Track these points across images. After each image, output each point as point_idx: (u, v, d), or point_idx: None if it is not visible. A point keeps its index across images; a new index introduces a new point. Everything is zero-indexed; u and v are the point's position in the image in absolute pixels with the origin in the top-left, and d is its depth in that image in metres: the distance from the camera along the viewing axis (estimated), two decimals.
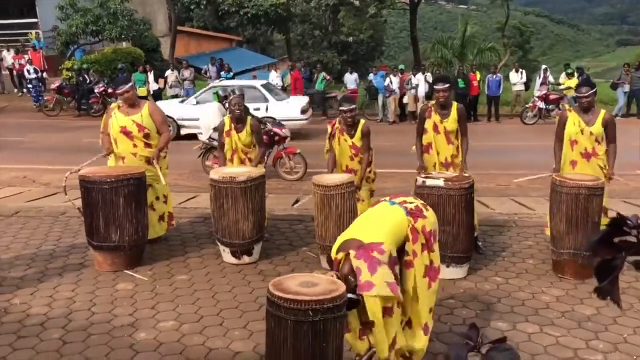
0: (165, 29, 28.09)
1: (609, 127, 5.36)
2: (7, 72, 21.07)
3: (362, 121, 5.80)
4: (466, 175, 5.26)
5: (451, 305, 4.51)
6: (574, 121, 5.39)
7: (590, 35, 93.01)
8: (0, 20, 24.19)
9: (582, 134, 5.34)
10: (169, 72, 18.14)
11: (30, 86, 18.52)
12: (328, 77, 18.81)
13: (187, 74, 18.04)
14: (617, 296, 1.36)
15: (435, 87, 5.66)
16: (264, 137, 9.50)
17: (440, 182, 4.93)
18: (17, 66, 20.20)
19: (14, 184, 9.08)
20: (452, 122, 5.55)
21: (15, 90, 20.72)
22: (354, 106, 5.73)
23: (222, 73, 18.30)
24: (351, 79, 18.36)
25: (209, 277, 5.14)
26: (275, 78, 18.98)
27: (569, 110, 5.55)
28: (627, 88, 16.62)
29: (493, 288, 4.86)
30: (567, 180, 4.95)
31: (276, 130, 9.74)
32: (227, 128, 6.05)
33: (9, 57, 20.79)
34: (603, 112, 5.43)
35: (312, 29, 32.04)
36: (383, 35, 37.04)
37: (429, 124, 5.63)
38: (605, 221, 5.18)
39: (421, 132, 5.73)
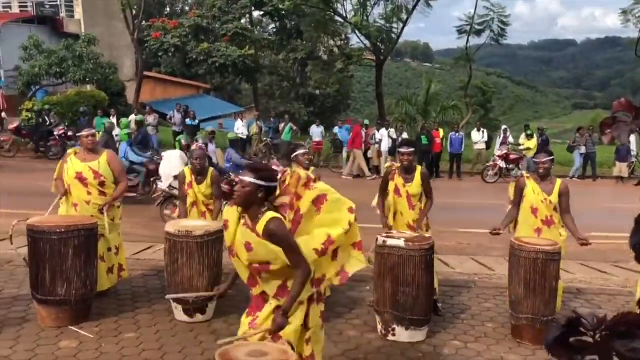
0: (131, 73, 28.01)
1: (564, 196, 5.40)
2: None
3: (312, 168, 5.79)
4: (427, 235, 5.23)
5: None
6: (533, 189, 5.44)
7: (548, 97, 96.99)
8: None
9: (543, 203, 5.38)
10: (132, 117, 17.94)
11: None
12: (295, 128, 18.95)
13: (150, 119, 17.88)
14: None
15: (400, 150, 5.70)
16: (226, 187, 9.45)
17: (401, 242, 4.89)
18: None
19: None
20: (415, 187, 5.55)
21: None
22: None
23: (187, 120, 18.21)
24: (317, 131, 18.53)
25: (158, 335, 4.89)
26: (240, 127, 19.00)
27: (527, 177, 5.62)
28: (583, 149, 17.23)
29: (452, 353, 4.76)
30: (526, 245, 4.97)
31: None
32: (187, 179, 5.95)
33: None
34: (559, 181, 5.49)
35: (280, 80, 32.49)
36: (349, 89, 37.81)
37: (391, 186, 5.63)
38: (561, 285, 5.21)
39: (384, 191, 5.72)
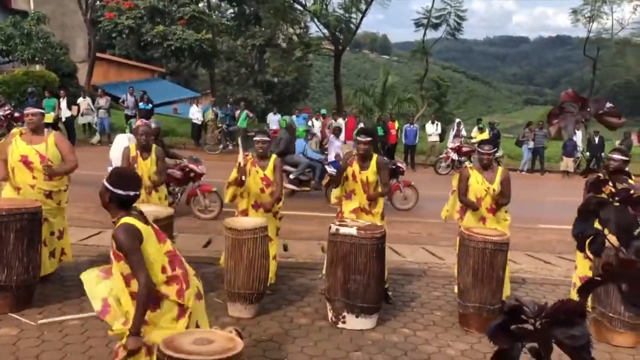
0: (84, 54, 27.07)
1: (506, 183, 5.60)
2: None
3: (274, 156, 5.86)
4: (379, 224, 5.28)
5: (358, 358, 4.43)
6: (477, 179, 5.59)
7: (501, 92, 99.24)
8: None
9: (486, 191, 5.54)
10: (80, 99, 17.42)
11: None
12: (251, 115, 18.77)
13: (102, 101, 17.40)
14: None
15: (358, 138, 5.71)
16: (179, 173, 9.30)
17: (353, 231, 4.91)
18: None
19: None
20: (371, 174, 5.60)
21: None
22: (267, 138, 5.88)
23: (141, 104, 17.78)
24: (274, 119, 18.41)
25: (104, 323, 4.76)
26: (195, 112, 18.71)
27: (470, 168, 5.78)
28: (531, 144, 17.73)
29: (400, 340, 4.83)
30: (474, 235, 5.07)
31: (192, 166, 9.48)
32: (132, 154, 5.94)
33: None
34: (500, 169, 5.72)
35: (238, 66, 32.11)
36: (308, 79, 37.74)
37: (349, 171, 5.66)
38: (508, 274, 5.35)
39: (337, 178, 5.75)
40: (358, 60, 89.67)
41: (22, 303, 4.87)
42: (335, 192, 5.88)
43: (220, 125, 18.36)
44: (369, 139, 5.63)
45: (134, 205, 3.14)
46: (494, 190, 5.53)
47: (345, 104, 27.19)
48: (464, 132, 17.94)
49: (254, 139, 5.86)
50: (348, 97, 28.44)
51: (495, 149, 5.71)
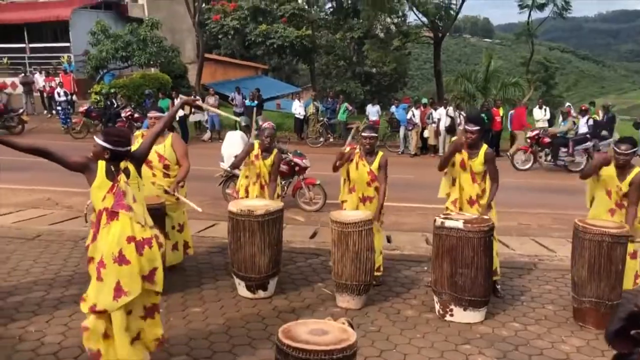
0: (192, 55, 28.60)
1: (635, 187, 5.11)
2: (38, 94, 21.55)
3: (381, 152, 5.85)
4: (486, 217, 5.19)
5: (467, 351, 4.42)
6: (611, 174, 5.24)
7: (616, 71, 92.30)
8: (35, 43, 24.91)
9: (618, 189, 5.20)
10: None
11: (59, 108, 18.91)
12: (350, 108, 18.90)
13: (211, 100, 18.28)
14: None
15: (466, 126, 5.60)
16: (285, 167, 9.64)
17: (459, 224, 4.88)
18: (47, 88, 20.71)
19: (37, 206, 9.22)
20: (478, 164, 5.46)
21: (45, 112, 21.21)
22: (375, 134, 5.87)
23: (247, 101, 18.50)
24: (373, 110, 18.41)
25: (222, 310, 5.11)
26: (297, 107, 19.16)
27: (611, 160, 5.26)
28: None
29: (511, 334, 4.75)
30: (591, 227, 4.86)
31: (296, 160, 9.79)
32: (255, 152, 6.30)
33: (40, 79, 21.34)
34: (635, 170, 5.14)
35: (337, 59, 32.36)
36: (406, 67, 37.19)
37: (457, 158, 5.55)
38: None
39: (446, 158, 5.61)
40: (458, 45, 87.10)
41: None
42: (443, 186, 5.77)
43: (321, 118, 18.69)
44: (477, 127, 5.48)
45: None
46: (621, 189, 5.19)
47: (446, 91, 26.58)
48: (574, 114, 16.80)
49: (362, 134, 5.89)
50: (449, 83, 27.75)
51: (635, 149, 5.24)
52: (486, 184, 5.57)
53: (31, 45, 24.94)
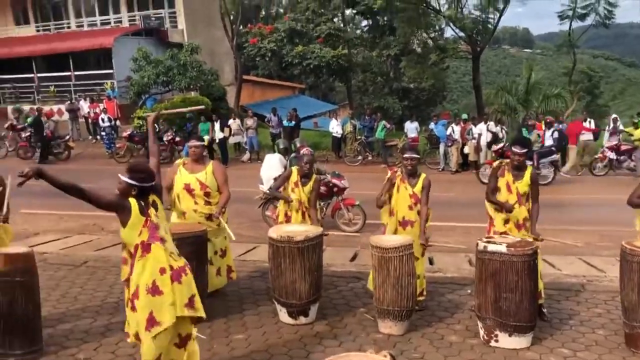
0: (231, 77, 29.19)
1: None
2: (83, 120, 22.30)
3: (424, 174, 5.78)
4: (529, 240, 5.08)
5: None
6: None
7: None
8: (80, 71, 25.89)
9: None
10: (231, 121, 18.75)
11: (103, 133, 19.50)
12: (388, 125, 18.84)
13: (250, 122, 18.57)
14: None
15: (512, 148, 5.55)
16: (323, 188, 9.67)
17: (502, 248, 4.79)
18: (92, 114, 21.41)
19: (83, 232, 9.50)
20: (524, 185, 5.43)
21: (90, 137, 21.90)
22: (416, 155, 5.82)
23: (284, 121, 18.70)
24: (411, 127, 18.33)
25: (265, 336, 5.14)
26: (335, 126, 19.22)
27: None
28: None
29: None
30: (638, 249, 4.69)
31: (335, 181, 9.82)
32: (294, 179, 6.30)
33: (85, 105, 22.09)
34: None
35: (373, 76, 32.39)
36: (445, 82, 36.90)
37: (501, 182, 5.50)
38: None
39: (493, 188, 5.56)
40: (497, 56, 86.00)
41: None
42: (488, 209, 5.67)
43: (359, 137, 18.70)
44: (524, 150, 5.45)
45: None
46: None
47: (486, 104, 26.22)
48: (621, 128, 16.45)
49: (403, 155, 5.86)
50: (489, 96, 27.37)
51: None
52: (529, 204, 5.48)
53: (76, 72, 25.96)
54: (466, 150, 16.66)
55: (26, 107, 23.67)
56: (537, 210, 5.49)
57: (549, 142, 14.92)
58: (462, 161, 16.94)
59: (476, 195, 6.13)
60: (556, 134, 15.07)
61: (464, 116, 18.31)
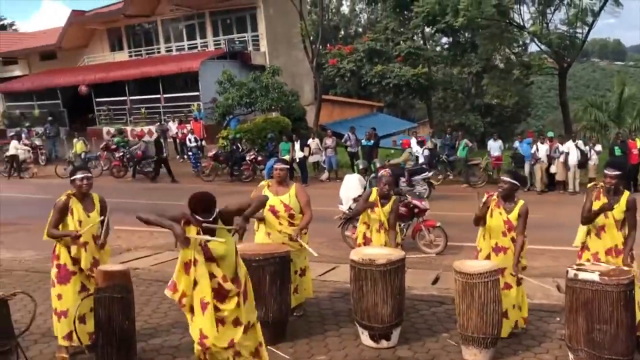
0: (310, 97, 29.71)
1: None
2: (171, 140, 23.44)
3: (522, 201, 5.55)
4: (626, 268, 4.82)
5: None
6: None
7: None
8: (169, 93, 27.30)
9: None
10: (310, 140, 19.07)
11: (190, 153, 20.37)
12: (470, 144, 18.40)
13: (329, 141, 18.77)
14: None
15: (605, 170, 5.33)
16: (404, 209, 9.60)
17: (595, 276, 4.57)
18: (179, 135, 22.48)
19: (172, 248, 9.91)
20: (619, 211, 5.17)
21: (177, 157, 22.95)
22: (513, 180, 5.52)
23: (363, 140, 18.74)
24: (495, 146, 17.81)
25: (347, 359, 5.15)
26: (415, 145, 19.00)
27: None
28: None
29: None
30: None
31: (415, 202, 9.74)
32: (372, 198, 6.35)
33: (173, 126, 23.24)
34: None
35: (454, 93, 31.86)
36: (529, 98, 35.67)
37: (596, 206, 5.25)
38: None
39: (588, 209, 5.26)
40: (586, 70, 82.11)
41: (277, 337, 5.50)
42: (581, 234, 5.42)
43: (440, 156, 18.40)
44: (618, 172, 5.21)
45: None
46: None
47: (574, 120, 25.08)
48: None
49: (501, 178, 5.72)
50: (577, 113, 26.18)
51: None
52: (625, 231, 5.20)
53: (165, 95, 27.39)
54: (552, 169, 15.98)
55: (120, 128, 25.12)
56: (633, 238, 5.19)
57: (421, 159, 15.42)
58: (548, 181, 16.26)
59: (565, 218, 5.85)
60: (427, 152, 15.27)
61: (550, 134, 17.61)
